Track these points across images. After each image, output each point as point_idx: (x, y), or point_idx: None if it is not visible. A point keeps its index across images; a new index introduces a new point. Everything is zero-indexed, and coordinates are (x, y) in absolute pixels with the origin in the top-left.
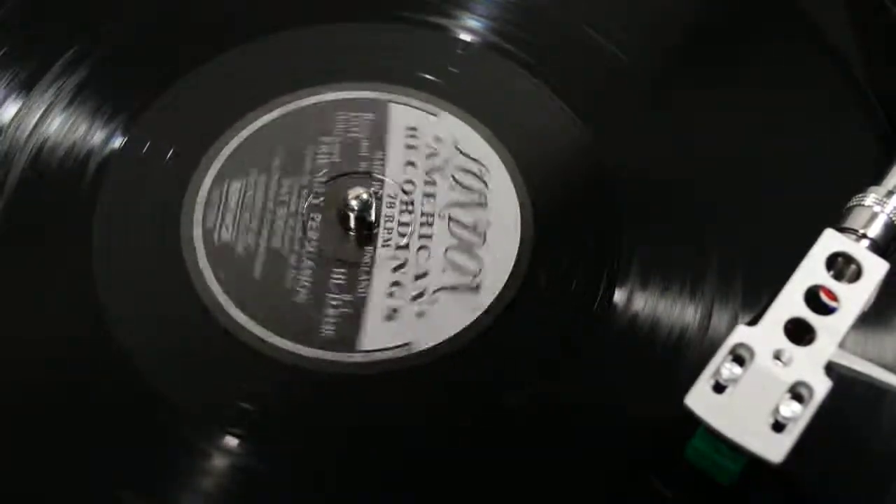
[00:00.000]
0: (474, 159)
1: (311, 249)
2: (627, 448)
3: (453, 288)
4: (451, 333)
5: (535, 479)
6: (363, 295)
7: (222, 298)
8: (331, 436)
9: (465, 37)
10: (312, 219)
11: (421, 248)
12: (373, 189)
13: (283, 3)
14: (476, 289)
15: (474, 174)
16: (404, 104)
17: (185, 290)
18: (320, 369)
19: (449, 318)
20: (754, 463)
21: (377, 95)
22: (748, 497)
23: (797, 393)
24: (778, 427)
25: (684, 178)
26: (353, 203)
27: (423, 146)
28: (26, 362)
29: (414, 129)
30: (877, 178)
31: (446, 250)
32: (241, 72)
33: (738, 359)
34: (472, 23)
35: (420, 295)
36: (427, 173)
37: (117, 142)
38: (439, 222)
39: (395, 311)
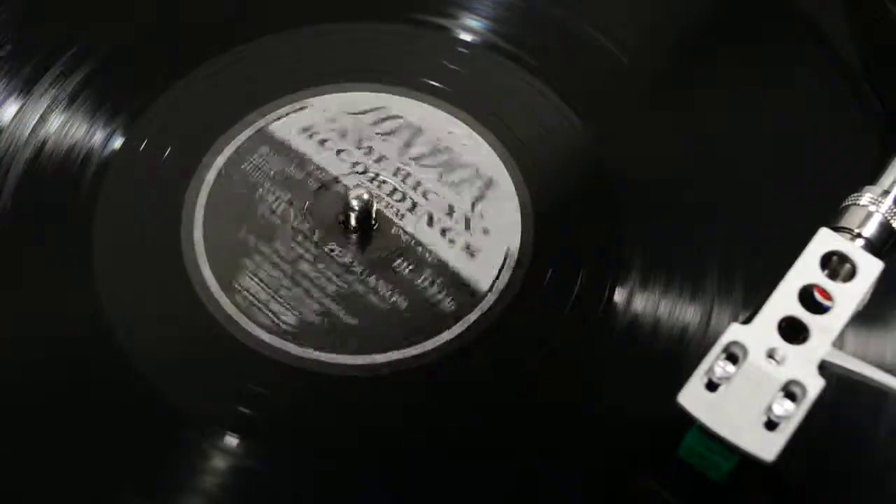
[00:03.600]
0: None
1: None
2: (627, 448)
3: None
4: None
5: (534, 478)
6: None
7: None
8: (331, 436)
9: (466, 37)
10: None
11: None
12: (373, 189)
13: (284, 3)
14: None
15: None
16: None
17: (185, 291)
18: (320, 370)
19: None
20: (750, 462)
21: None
22: (745, 496)
23: (790, 391)
24: (771, 425)
25: (684, 178)
26: (354, 203)
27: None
28: (26, 362)
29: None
30: (873, 178)
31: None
32: (241, 72)
33: (732, 357)
34: (473, 23)
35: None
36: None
37: (117, 142)
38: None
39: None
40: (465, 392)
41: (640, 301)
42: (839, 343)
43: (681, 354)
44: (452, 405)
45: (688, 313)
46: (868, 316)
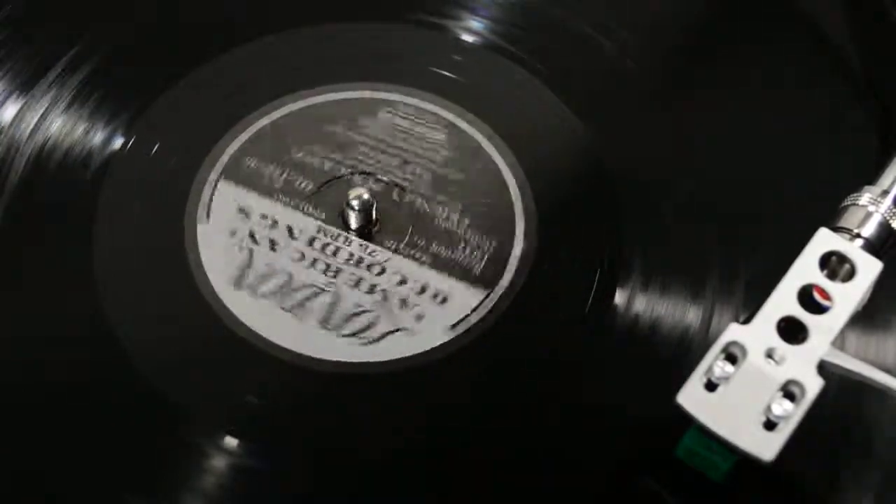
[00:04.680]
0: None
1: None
2: (627, 448)
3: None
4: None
5: (533, 477)
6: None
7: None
8: (331, 436)
9: (466, 37)
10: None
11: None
12: (374, 188)
13: (283, 3)
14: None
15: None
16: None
17: (185, 290)
18: (321, 369)
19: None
20: (750, 462)
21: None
22: (745, 496)
23: (789, 391)
24: (770, 425)
25: (684, 178)
26: (354, 203)
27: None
28: (26, 362)
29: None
30: (873, 178)
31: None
32: (241, 72)
33: (731, 357)
34: (473, 23)
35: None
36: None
37: (117, 142)
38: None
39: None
40: (465, 392)
41: (640, 301)
42: (840, 343)
43: (681, 354)
44: (452, 405)
45: (688, 313)
46: (869, 316)
